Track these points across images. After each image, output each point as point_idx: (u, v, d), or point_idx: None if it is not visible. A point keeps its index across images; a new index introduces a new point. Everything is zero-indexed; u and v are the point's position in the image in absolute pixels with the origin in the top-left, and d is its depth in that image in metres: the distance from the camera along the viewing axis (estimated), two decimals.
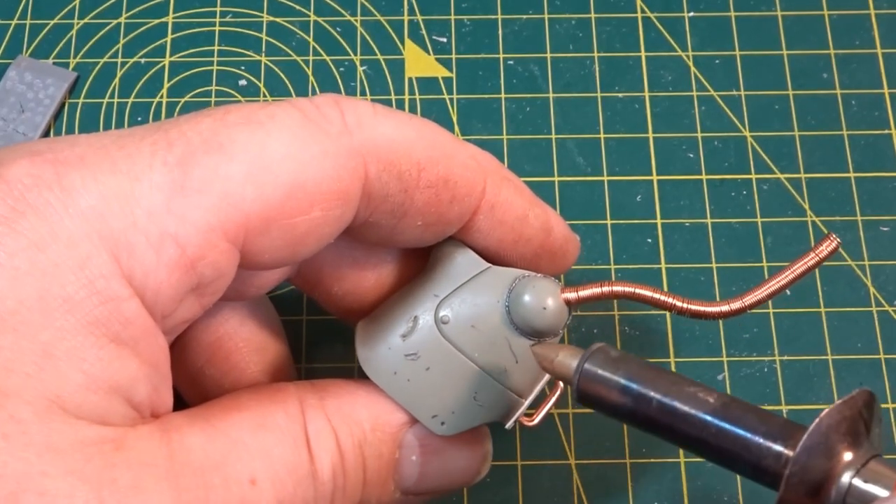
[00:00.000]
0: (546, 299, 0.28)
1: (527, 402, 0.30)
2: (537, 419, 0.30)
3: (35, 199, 0.23)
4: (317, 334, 0.37)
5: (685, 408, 0.24)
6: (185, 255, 0.24)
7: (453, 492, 0.34)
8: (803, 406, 0.36)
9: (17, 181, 0.23)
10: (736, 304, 0.28)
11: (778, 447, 0.23)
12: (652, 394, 0.24)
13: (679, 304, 0.28)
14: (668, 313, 0.38)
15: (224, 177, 0.24)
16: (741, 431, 0.23)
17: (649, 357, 0.37)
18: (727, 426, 0.23)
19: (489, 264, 0.29)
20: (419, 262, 0.31)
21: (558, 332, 0.29)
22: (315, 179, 0.25)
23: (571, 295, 0.29)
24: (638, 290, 0.29)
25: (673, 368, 0.37)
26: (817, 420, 0.22)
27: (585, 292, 0.29)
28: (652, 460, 0.36)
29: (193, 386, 0.31)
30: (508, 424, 0.30)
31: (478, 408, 0.29)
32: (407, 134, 0.27)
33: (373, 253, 0.31)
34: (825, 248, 0.28)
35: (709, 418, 0.24)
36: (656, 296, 0.29)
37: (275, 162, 0.24)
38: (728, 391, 0.37)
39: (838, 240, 0.28)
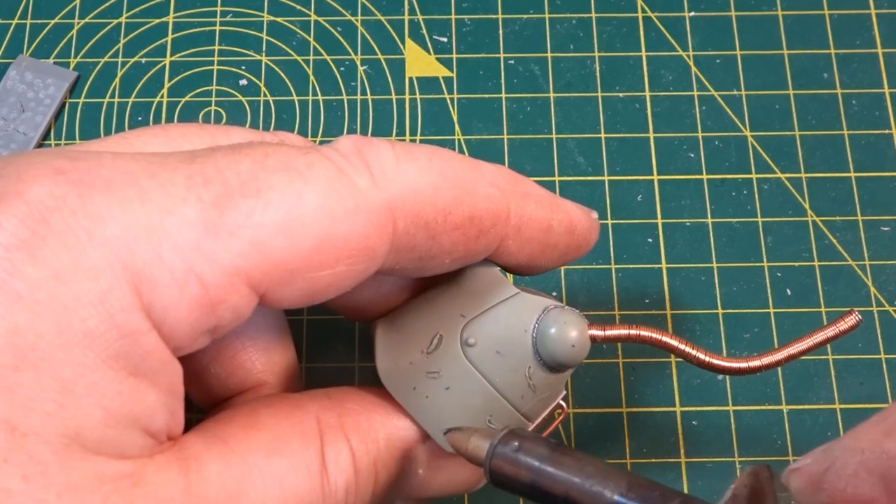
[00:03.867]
0: (574, 336, 0.28)
1: (533, 426, 0.30)
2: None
3: (57, 223, 0.22)
4: (317, 334, 0.37)
5: (589, 495, 0.24)
6: (206, 295, 0.23)
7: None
8: (803, 406, 0.36)
9: (38, 202, 0.22)
10: (754, 363, 0.29)
11: None
12: (558, 480, 0.25)
13: (702, 357, 0.29)
14: (668, 312, 0.38)
15: (258, 223, 0.23)
16: None
17: (651, 358, 0.37)
18: None
19: (517, 289, 0.29)
20: None
21: (578, 365, 0.29)
22: (345, 235, 0.24)
23: (598, 333, 0.29)
24: (664, 339, 0.29)
25: (673, 369, 0.37)
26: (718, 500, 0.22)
27: (612, 332, 0.29)
28: (652, 460, 0.36)
29: (198, 383, 0.31)
30: None
31: (491, 429, 0.29)
32: (431, 179, 0.26)
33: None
34: (846, 322, 0.29)
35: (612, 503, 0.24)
36: (681, 346, 0.29)
37: (308, 214, 0.24)
38: (728, 391, 0.37)
39: (860, 317, 0.29)
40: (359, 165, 0.25)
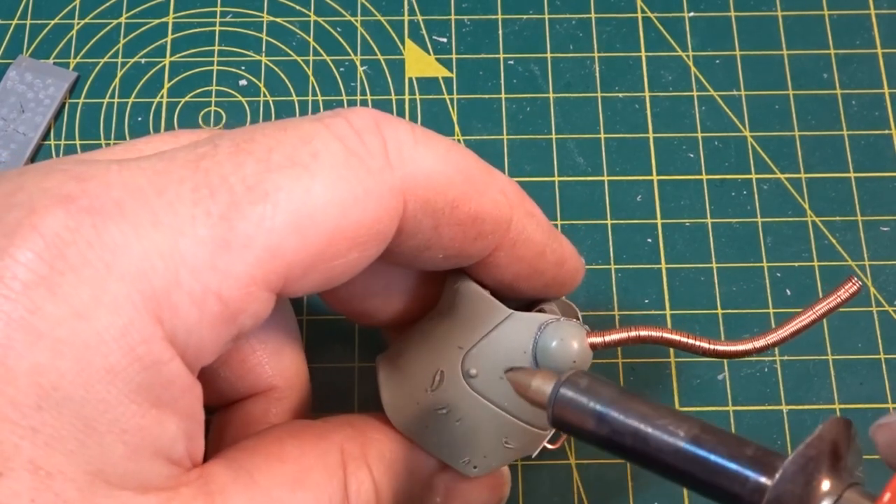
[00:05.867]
0: (574, 348, 0.28)
1: (550, 433, 0.30)
2: (559, 443, 0.30)
3: (75, 257, 0.21)
4: (317, 334, 0.37)
5: (659, 438, 0.24)
6: (227, 309, 0.23)
7: None
8: (803, 406, 0.36)
9: (54, 235, 0.21)
10: (759, 343, 0.28)
11: (755, 476, 0.23)
12: (626, 423, 0.24)
13: (706, 345, 0.28)
14: (668, 312, 0.38)
15: (269, 229, 0.23)
16: (715, 461, 0.23)
17: (651, 358, 0.37)
18: (701, 456, 0.23)
19: (511, 310, 0.29)
20: (428, 272, 0.31)
21: None
22: (356, 223, 0.24)
23: (598, 340, 0.28)
24: (665, 335, 0.29)
25: (673, 369, 0.37)
26: (797, 450, 0.22)
27: (612, 337, 0.29)
28: None
29: (208, 386, 0.31)
30: (534, 454, 0.30)
31: (508, 449, 0.29)
32: (446, 169, 0.26)
33: (382, 262, 0.31)
34: (847, 290, 0.28)
35: (683, 449, 0.23)
36: (683, 339, 0.29)
37: (319, 209, 0.24)
38: (728, 391, 0.37)
39: (860, 283, 0.28)
40: (373, 143, 0.25)
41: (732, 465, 0.23)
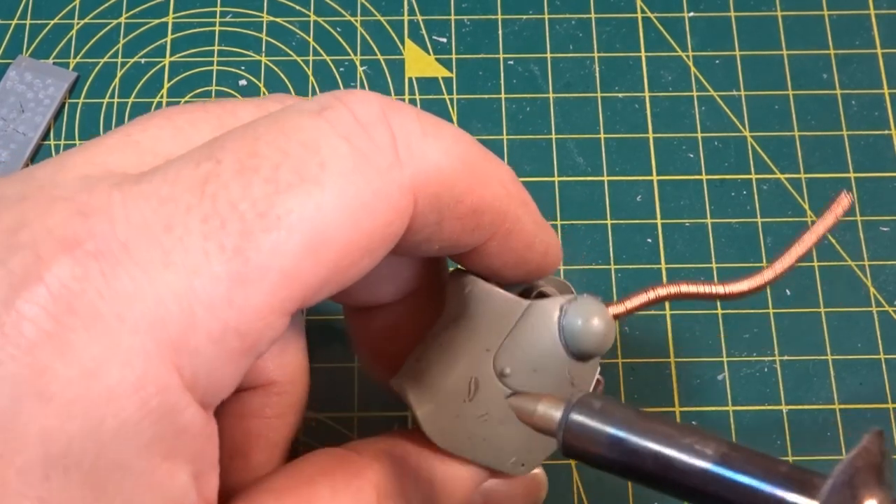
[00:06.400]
0: (599, 323, 0.28)
1: None
2: None
3: (84, 310, 0.20)
4: (317, 334, 0.37)
5: (684, 460, 0.22)
6: (245, 343, 0.22)
7: None
8: (803, 406, 0.36)
9: (61, 287, 0.20)
10: (769, 274, 0.29)
11: (795, 497, 0.21)
12: (646, 446, 0.23)
13: (722, 290, 0.29)
14: (668, 312, 0.38)
15: (283, 254, 0.22)
16: (748, 483, 0.22)
17: (651, 358, 0.37)
18: (731, 478, 0.22)
19: (528, 300, 0.29)
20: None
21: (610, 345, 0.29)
22: (369, 232, 0.23)
23: (620, 309, 0.29)
24: (682, 289, 0.29)
25: (673, 369, 0.37)
26: (842, 467, 0.21)
27: (633, 303, 0.29)
28: None
29: None
30: None
31: (550, 438, 0.29)
32: (453, 162, 0.25)
33: None
34: (840, 205, 0.28)
35: (710, 471, 0.22)
36: (701, 289, 0.29)
37: (331, 227, 0.23)
38: (728, 391, 0.37)
39: (850, 196, 0.28)
40: (381, 137, 0.24)
41: (765, 486, 0.22)
